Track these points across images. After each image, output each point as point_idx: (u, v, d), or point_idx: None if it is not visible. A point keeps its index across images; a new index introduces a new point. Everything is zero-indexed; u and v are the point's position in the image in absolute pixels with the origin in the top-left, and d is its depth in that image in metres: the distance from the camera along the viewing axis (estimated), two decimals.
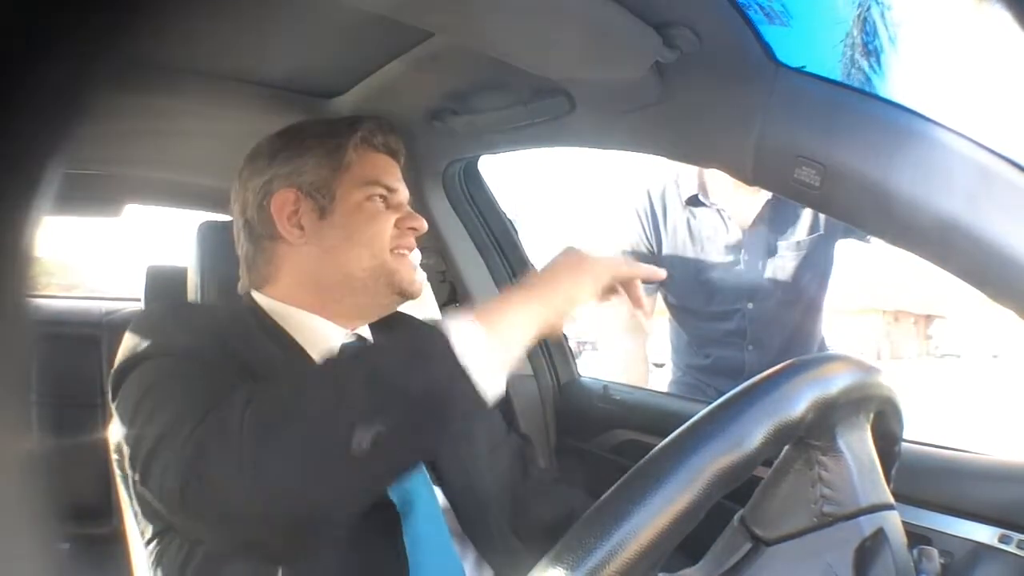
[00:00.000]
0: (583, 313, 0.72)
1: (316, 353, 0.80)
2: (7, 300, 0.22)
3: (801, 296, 1.40)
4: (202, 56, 1.01)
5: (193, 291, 0.99)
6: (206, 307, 0.92)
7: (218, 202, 1.32)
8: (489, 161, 1.33)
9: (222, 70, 1.07)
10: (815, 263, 1.39)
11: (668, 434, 0.47)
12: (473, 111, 1.08)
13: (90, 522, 1.78)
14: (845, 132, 0.73)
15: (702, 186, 1.44)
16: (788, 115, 0.75)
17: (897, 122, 0.72)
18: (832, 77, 0.75)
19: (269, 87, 1.13)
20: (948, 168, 0.69)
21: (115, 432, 0.72)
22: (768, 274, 1.40)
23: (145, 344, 0.69)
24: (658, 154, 0.96)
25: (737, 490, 0.46)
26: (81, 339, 1.93)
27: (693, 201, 1.45)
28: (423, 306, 1.23)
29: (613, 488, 0.45)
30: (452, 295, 1.37)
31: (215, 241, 0.98)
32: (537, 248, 1.40)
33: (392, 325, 0.93)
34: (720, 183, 1.43)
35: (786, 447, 0.52)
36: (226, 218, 0.94)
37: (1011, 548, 0.71)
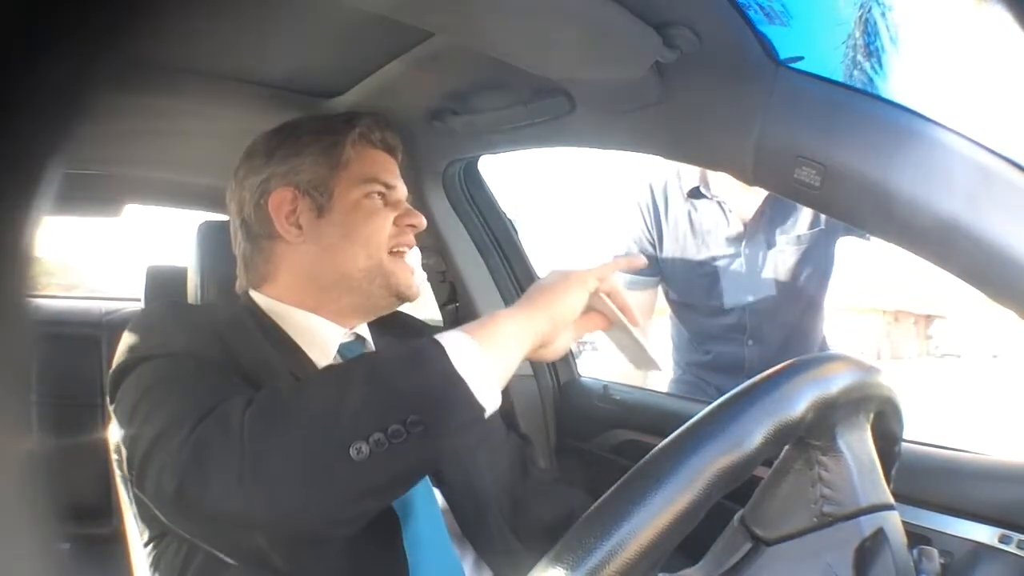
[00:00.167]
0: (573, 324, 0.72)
1: (314, 352, 0.80)
2: (7, 300, 0.22)
3: (801, 291, 1.40)
4: (202, 56, 1.01)
5: (193, 291, 0.99)
6: (204, 307, 0.92)
7: (218, 202, 1.31)
8: (489, 161, 1.34)
9: (222, 70, 1.07)
10: (815, 258, 1.39)
11: (668, 434, 0.47)
12: (473, 111, 1.08)
13: (90, 522, 1.78)
14: (845, 132, 0.73)
15: (703, 178, 1.44)
16: (788, 115, 0.75)
17: (897, 122, 0.72)
18: (832, 77, 0.75)
19: (269, 87, 1.13)
20: (948, 168, 0.69)
21: (115, 432, 0.72)
22: (768, 268, 1.40)
23: (143, 344, 0.69)
24: (658, 154, 0.96)
25: (737, 490, 0.46)
26: (81, 339, 1.93)
27: (694, 193, 1.45)
28: (423, 306, 1.23)
29: (613, 488, 0.45)
30: (452, 295, 1.37)
31: (215, 241, 0.98)
32: (537, 248, 1.40)
33: (391, 325, 0.93)
34: (721, 176, 1.43)
35: (786, 447, 0.52)
36: (226, 218, 0.94)
37: (1011, 548, 0.71)
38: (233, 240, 0.87)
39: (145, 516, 0.72)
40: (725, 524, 0.53)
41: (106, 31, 0.22)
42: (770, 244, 1.40)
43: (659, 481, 0.43)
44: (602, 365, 1.47)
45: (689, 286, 1.47)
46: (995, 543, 0.72)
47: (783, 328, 1.42)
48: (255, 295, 0.84)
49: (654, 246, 1.49)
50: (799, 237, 1.39)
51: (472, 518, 0.82)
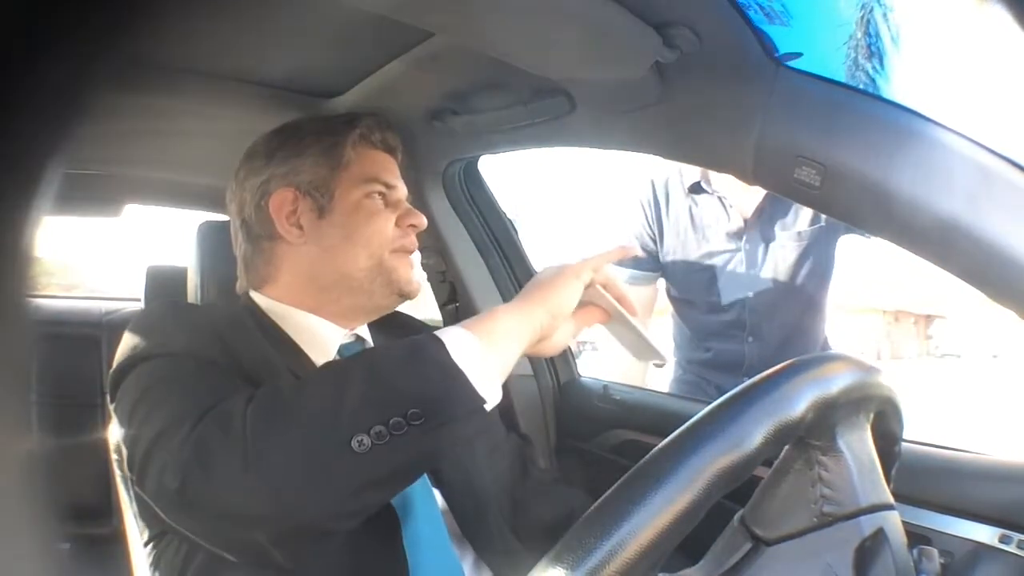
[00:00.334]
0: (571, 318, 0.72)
1: (314, 353, 0.80)
2: (7, 300, 0.22)
3: (801, 289, 1.40)
4: (202, 56, 1.01)
5: (193, 291, 0.99)
6: (205, 307, 0.92)
7: (218, 202, 1.31)
8: (489, 161, 1.34)
9: (222, 70, 1.07)
10: (816, 256, 1.39)
11: (668, 434, 0.47)
12: (473, 111, 1.08)
13: (90, 522, 1.78)
14: (845, 132, 0.73)
15: (704, 174, 1.44)
16: (788, 115, 0.75)
17: (897, 122, 0.72)
18: (833, 77, 0.75)
19: (269, 87, 1.13)
20: (948, 168, 0.69)
21: (115, 432, 0.72)
22: (768, 264, 1.40)
23: (143, 344, 0.69)
24: (658, 154, 0.96)
25: (737, 490, 0.46)
26: (81, 339, 1.93)
27: (695, 188, 1.45)
28: (423, 306, 1.24)
29: (613, 488, 0.45)
30: (452, 295, 1.37)
31: (215, 241, 0.98)
32: (537, 248, 1.40)
33: (391, 325, 0.93)
34: None
35: (786, 447, 0.52)
36: (226, 218, 0.94)
37: (1011, 548, 0.71)
38: (234, 241, 0.87)
39: (145, 516, 0.72)
40: (725, 524, 0.53)
41: (106, 31, 0.22)
42: (770, 240, 1.40)
43: (659, 481, 0.43)
44: (602, 365, 1.47)
45: (689, 282, 1.47)
46: (995, 543, 0.72)
47: (783, 326, 1.42)
48: (255, 296, 0.84)
49: (655, 241, 1.49)
50: (799, 234, 1.38)
51: (472, 518, 0.82)
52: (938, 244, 0.70)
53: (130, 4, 0.23)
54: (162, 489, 0.59)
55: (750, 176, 0.81)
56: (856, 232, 1.35)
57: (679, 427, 0.47)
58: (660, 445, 0.46)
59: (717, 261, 1.43)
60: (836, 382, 0.49)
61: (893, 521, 0.52)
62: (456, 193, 1.33)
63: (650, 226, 1.50)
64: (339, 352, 0.82)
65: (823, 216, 1.37)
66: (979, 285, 0.71)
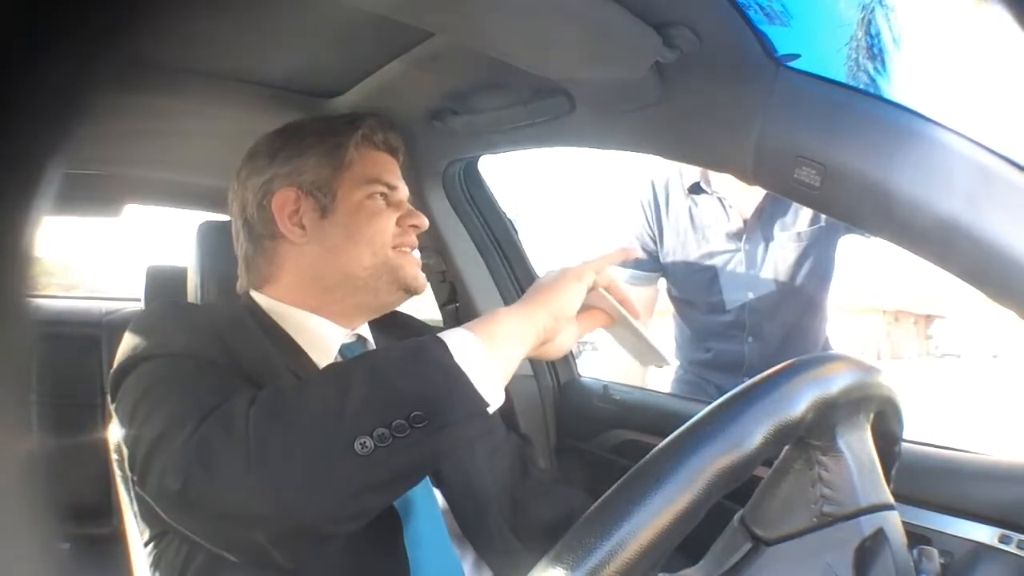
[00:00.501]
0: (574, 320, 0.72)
1: (315, 353, 0.80)
2: (7, 300, 0.22)
3: (801, 289, 1.40)
4: (202, 56, 1.01)
5: (193, 291, 0.99)
6: (205, 307, 0.92)
7: (218, 202, 1.31)
8: (489, 161, 1.34)
9: (222, 70, 1.07)
10: (816, 256, 1.39)
11: (668, 434, 0.47)
12: (473, 111, 1.08)
13: (90, 522, 1.78)
14: (845, 132, 0.73)
15: (704, 173, 1.44)
16: (788, 115, 0.75)
17: (897, 122, 0.72)
18: (833, 77, 0.75)
19: (269, 87, 1.13)
20: (948, 168, 0.69)
21: (115, 432, 0.72)
22: (768, 265, 1.40)
23: (144, 344, 0.69)
24: (658, 154, 0.96)
25: (737, 490, 0.46)
26: (81, 339, 1.93)
27: (695, 189, 1.45)
28: (423, 306, 1.23)
29: (613, 488, 0.45)
30: (452, 295, 1.37)
31: (215, 241, 0.98)
32: (537, 248, 1.40)
33: (391, 325, 0.93)
34: None
35: (786, 447, 0.52)
36: (226, 218, 0.94)
37: (1011, 548, 0.71)
38: (235, 240, 0.87)
39: (145, 516, 0.72)
40: (725, 524, 0.53)
41: (106, 31, 0.22)
42: (770, 241, 1.40)
43: (659, 481, 0.43)
44: (602, 365, 1.47)
45: (689, 282, 1.47)
46: (995, 543, 0.72)
47: (783, 326, 1.42)
48: (256, 295, 0.84)
49: (655, 242, 1.49)
50: (799, 234, 1.38)
51: (472, 518, 0.83)
52: (938, 244, 0.70)
53: (130, 4, 0.23)
54: (164, 490, 0.59)
55: (750, 176, 0.81)
56: (856, 232, 1.35)
57: (679, 427, 0.47)
58: (660, 445, 0.46)
59: (717, 261, 1.43)
60: (836, 382, 0.49)
61: (893, 521, 0.52)
62: (456, 193, 1.33)
63: (650, 227, 1.50)
64: (340, 352, 0.82)
65: (823, 216, 1.37)
66: (979, 285, 0.71)
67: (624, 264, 1.47)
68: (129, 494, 0.82)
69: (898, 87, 0.84)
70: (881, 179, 0.70)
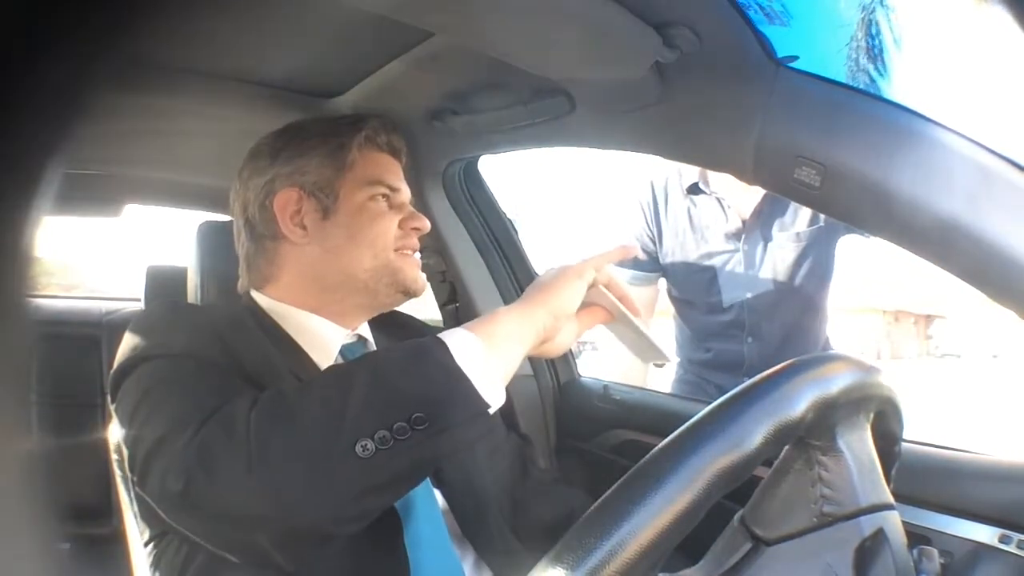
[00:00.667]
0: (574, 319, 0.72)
1: (316, 353, 0.80)
2: (7, 300, 0.22)
3: (800, 289, 1.40)
4: (202, 56, 1.01)
5: (193, 291, 0.99)
6: (205, 307, 0.92)
7: (218, 202, 1.32)
8: (489, 161, 1.34)
9: (222, 70, 1.07)
10: (815, 256, 1.39)
11: (668, 434, 0.47)
12: (473, 111, 1.08)
13: (90, 522, 1.78)
14: (845, 132, 0.73)
15: (703, 174, 1.44)
16: (788, 115, 0.75)
17: (897, 122, 0.72)
18: (833, 77, 0.75)
19: (269, 87, 1.13)
20: (948, 168, 0.69)
21: (115, 432, 0.72)
22: (767, 265, 1.40)
23: (144, 345, 0.69)
24: (658, 154, 0.96)
25: (737, 490, 0.46)
26: (81, 339, 1.93)
27: (693, 189, 1.45)
28: (423, 306, 1.23)
29: (613, 488, 0.45)
30: (452, 295, 1.37)
31: (215, 241, 0.98)
32: (537, 248, 1.40)
33: (391, 325, 0.93)
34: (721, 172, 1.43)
35: (786, 447, 0.52)
36: (226, 218, 0.94)
37: (1011, 548, 0.71)
38: (236, 240, 0.87)
39: (145, 516, 0.72)
40: (725, 524, 0.53)
41: (106, 31, 0.22)
42: (769, 241, 1.40)
43: (659, 481, 0.43)
44: (602, 365, 1.48)
45: (689, 282, 1.47)
46: (995, 543, 0.72)
47: (783, 326, 1.42)
48: (257, 295, 0.84)
49: (655, 242, 1.49)
50: (798, 234, 1.39)
51: (472, 518, 0.83)
52: (938, 244, 0.70)
53: (130, 4, 0.23)
54: (165, 492, 0.59)
55: (750, 176, 0.81)
56: (856, 232, 1.35)
57: (679, 427, 0.47)
58: (660, 445, 0.46)
59: (716, 262, 1.43)
60: (836, 382, 0.49)
61: (893, 521, 0.52)
62: (456, 193, 1.33)
63: (649, 227, 1.50)
64: (341, 352, 0.82)
65: (822, 216, 1.37)
66: (979, 285, 0.71)
67: (624, 264, 1.47)
68: (129, 494, 0.82)
69: (898, 87, 0.84)
70: (881, 179, 0.70)
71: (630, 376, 1.40)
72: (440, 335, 0.61)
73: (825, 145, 0.73)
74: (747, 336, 1.42)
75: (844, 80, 0.77)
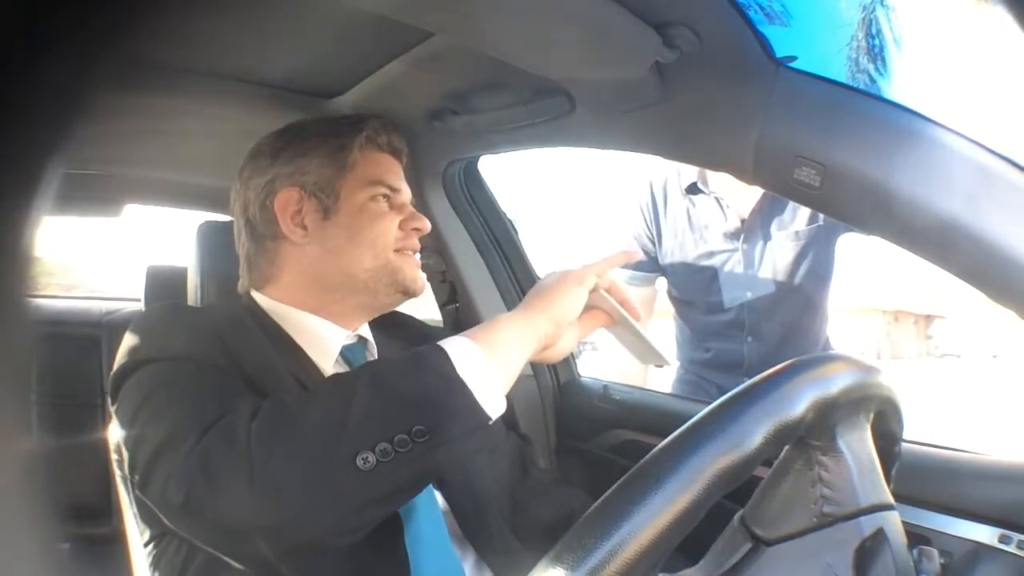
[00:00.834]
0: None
1: (316, 354, 0.80)
2: (7, 300, 0.22)
3: (800, 288, 1.40)
4: (202, 56, 1.01)
5: (193, 291, 0.99)
6: (205, 309, 0.92)
7: (218, 202, 1.31)
8: (489, 161, 1.34)
9: (222, 70, 1.07)
10: (814, 255, 1.39)
11: (668, 434, 0.47)
12: (473, 111, 1.08)
13: (90, 522, 1.78)
14: (845, 132, 0.73)
15: (701, 174, 1.44)
16: (788, 115, 0.75)
17: (897, 122, 0.72)
18: (833, 77, 0.75)
19: (269, 87, 1.13)
20: (948, 168, 0.69)
21: (115, 433, 0.72)
22: (766, 264, 1.40)
23: (144, 347, 0.69)
24: (658, 154, 0.96)
25: (737, 490, 0.46)
26: (81, 339, 1.93)
27: (692, 189, 1.45)
28: (423, 306, 1.23)
29: (613, 488, 0.45)
30: (452, 295, 1.37)
31: (215, 241, 0.98)
32: (537, 248, 1.40)
33: (392, 326, 0.93)
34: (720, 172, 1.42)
35: (786, 447, 0.52)
36: (226, 218, 0.94)
37: (1011, 548, 0.71)
38: (236, 240, 0.87)
39: (145, 516, 0.72)
40: (725, 524, 0.53)
41: (106, 31, 0.22)
42: (768, 240, 1.40)
43: (659, 481, 0.43)
44: (602, 365, 1.47)
45: (688, 282, 1.47)
46: (995, 543, 0.72)
47: (782, 325, 1.42)
48: (257, 296, 0.84)
49: (654, 242, 1.49)
50: (797, 233, 1.39)
51: (472, 518, 0.82)
52: (938, 244, 0.70)
53: (130, 4, 0.23)
54: (167, 500, 0.59)
55: (750, 176, 0.81)
56: (856, 231, 1.35)
57: (679, 427, 0.47)
58: (660, 445, 0.46)
59: (715, 261, 1.43)
60: (836, 382, 0.49)
61: (893, 521, 0.52)
62: (456, 193, 1.33)
63: (648, 227, 1.50)
64: (341, 353, 0.82)
65: (821, 215, 1.37)
66: (979, 285, 0.71)
67: (623, 265, 1.47)
68: (129, 494, 0.82)
69: (898, 87, 0.84)
70: (881, 179, 0.70)
71: (630, 376, 1.40)
72: (441, 343, 0.61)
73: (825, 145, 0.73)
74: (747, 336, 1.42)
75: (844, 80, 0.77)
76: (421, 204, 1.23)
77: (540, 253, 1.45)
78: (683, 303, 1.51)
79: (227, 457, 0.56)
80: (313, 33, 0.96)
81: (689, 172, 1.46)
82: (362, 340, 0.87)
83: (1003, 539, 0.72)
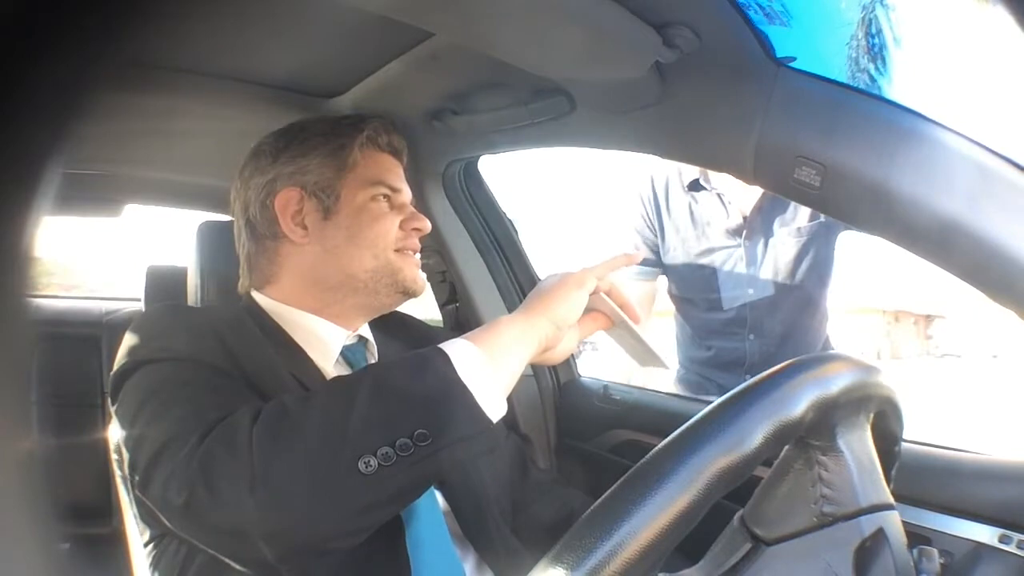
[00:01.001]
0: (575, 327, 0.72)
1: (316, 355, 0.80)
2: (7, 300, 0.22)
3: (801, 285, 1.40)
4: (202, 56, 1.01)
5: (193, 291, 0.99)
6: (205, 309, 0.92)
7: (218, 202, 1.32)
8: (489, 161, 1.34)
9: (222, 70, 1.07)
10: (816, 252, 1.39)
11: (668, 434, 0.47)
12: (473, 111, 1.08)
13: (90, 522, 1.78)
14: (845, 132, 0.73)
15: (703, 170, 1.44)
16: (788, 115, 0.75)
17: (897, 122, 0.72)
18: (833, 77, 0.75)
19: (269, 87, 1.13)
20: (948, 168, 0.69)
21: (115, 433, 0.72)
22: (768, 260, 1.40)
23: (144, 348, 0.69)
24: (658, 154, 0.96)
25: (737, 490, 0.46)
26: (81, 339, 1.93)
27: (694, 186, 1.45)
28: (423, 306, 1.23)
29: (613, 488, 0.45)
30: (452, 295, 1.37)
31: (215, 241, 0.98)
32: (537, 248, 1.40)
33: (392, 326, 0.93)
34: None
35: (786, 447, 0.52)
36: (226, 218, 0.94)
37: (1011, 548, 0.71)
38: (237, 240, 0.87)
39: (145, 516, 0.72)
40: (725, 524, 0.53)
41: (106, 31, 0.22)
42: (770, 237, 1.40)
43: (659, 481, 0.43)
44: (602, 365, 1.47)
45: (689, 280, 1.47)
46: (995, 543, 0.72)
47: (784, 323, 1.42)
48: (257, 296, 0.84)
49: (656, 236, 1.49)
50: (799, 230, 1.39)
51: (473, 519, 0.82)
52: (938, 244, 0.70)
53: (130, 4, 0.23)
54: (167, 502, 0.59)
55: (750, 176, 0.81)
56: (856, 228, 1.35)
57: (679, 427, 0.47)
58: (660, 445, 0.46)
59: (717, 258, 1.43)
60: (836, 382, 0.49)
61: (893, 521, 0.52)
62: (456, 193, 1.33)
63: (650, 221, 1.50)
64: (341, 353, 0.82)
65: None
66: (979, 285, 0.71)
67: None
68: (129, 494, 0.82)
69: (898, 87, 0.84)
70: (881, 179, 0.70)
71: (634, 376, 1.40)
72: (442, 345, 0.61)
73: (825, 145, 0.73)
74: (748, 333, 1.42)
75: (844, 80, 0.77)
76: (421, 204, 1.23)
77: (540, 254, 1.45)
78: (684, 301, 1.51)
79: (228, 462, 0.56)
80: (313, 33, 0.96)
81: (691, 168, 1.46)
82: (362, 340, 0.87)
83: (1003, 539, 0.72)
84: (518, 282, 1.35)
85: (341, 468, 0.55)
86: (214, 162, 1.37)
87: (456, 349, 0.60)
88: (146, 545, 0.74)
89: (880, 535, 0.50)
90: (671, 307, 1.57)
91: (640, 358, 0.78)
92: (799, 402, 0.47)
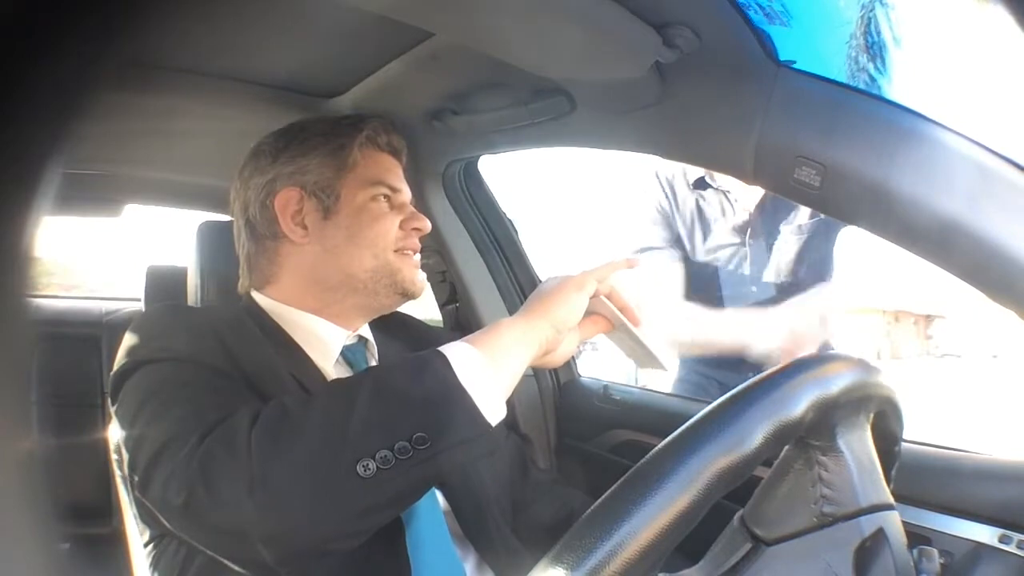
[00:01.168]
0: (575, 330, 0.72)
1: (316, 355, 0.80)
2: (7, 300, 0.22)
3: (803, 283, 1.40)
4: (202, 56, 1.01)
5: (193, 291, 0.99)
6: (205, 309, 0.92)
7: (218, 202, 1.32)
8: (489, 161, 1.34)
9: (222, 70, 1.07)
10: (817, 249, 1.39)
11: (668, 434, 0.47)
12: (473, 111, 1.08)
13: (90, 522, 1.78)
14: (845, 132, 0.73)
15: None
16: (788, 115, 0.75)
17: (897, 122, 0.72)
18: (833, 77, 0.75)
19: (269, 87, 1.13)
20: (948, 168, 0.69)
21: (115, 433, 0.72)
22: (772, 258, 1.40)
23: (144, 348, 0.69)
24: (658, 154, 0.96)
25: (737, 490, 0.46)
26: (81, 339, 1.93)
27: (699, 184, 1.45)
28: (423, 306, 1.23)
29: (613, 488, 0.45)
30: (452, 295, 1.37)
31: (215, 241, 0.98)
32: (537, 248, 1.40)
33: (392, 326, 0.93)
34: None
35: (786, 447, 0.52)
36: (226, 218, 0.94)
37: (1011, 548, 0.71)
38: (236, 240, 0.87)
39: (145, 516, 0.72)
40: (725, 524, 0.53)
41: (106, 31, 0.22)
42: (773, 234, 1.40)
43: (659, 481, 0.43)
44: (603, 365, 1.47)
45: (693, 277, 1.47)
46: (995, 543, 0.72)
47: None
48: (257, 296, 0.84)
49: (672, 215, 1.46)
50: (800, 227, 1.39)
51: (473, 519, 0.82)
52: (938, 244, 0.70)
53: (130, 4, 0.23)
54: (167, 503, 0.59)
55: (750, 176, 0.81)
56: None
57: (679, 427, 0.47)
58: (660, 445, 0.46)
59: (721, 256, 1.43)
60: (836, 382, 0.49)
61: (893, 521, 0.52)
62: (456, 193, 1.33)
63: (668, 199, 1.46)
64: (341, 353, 0.82)
65: None
66: (979, 285, 0.71)
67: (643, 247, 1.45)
68: (129, 495, 0.82)
69: (898, 87, 0.84)
70: (881, 179, 0.70)
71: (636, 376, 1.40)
72: (442, 348, 0.61)
73: (825, 145, 0.73)
74: None
75: (844, 80, 0.77)
76: (421, 204, 1.23)
77: (540, 253, 1.45)
78: (688, 298, 1.51)
79: (227, 464, 0.56)
80: (313, 33, 0.96)
81: (695, 167, 1.45)
82: (362, 340, 0.87)
83: (1003, 539, 0.72)
84: (518, 282, 1.35)
85: (340, 471, 0.55)
86: (214, 162, 1.37)
87: (456, 352, 0.60)
88: (146, 545, 0.74)
89: (880, 535, 0.50)
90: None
91: (640, 360, 0.79)
92: (799, 402, 0.47)
